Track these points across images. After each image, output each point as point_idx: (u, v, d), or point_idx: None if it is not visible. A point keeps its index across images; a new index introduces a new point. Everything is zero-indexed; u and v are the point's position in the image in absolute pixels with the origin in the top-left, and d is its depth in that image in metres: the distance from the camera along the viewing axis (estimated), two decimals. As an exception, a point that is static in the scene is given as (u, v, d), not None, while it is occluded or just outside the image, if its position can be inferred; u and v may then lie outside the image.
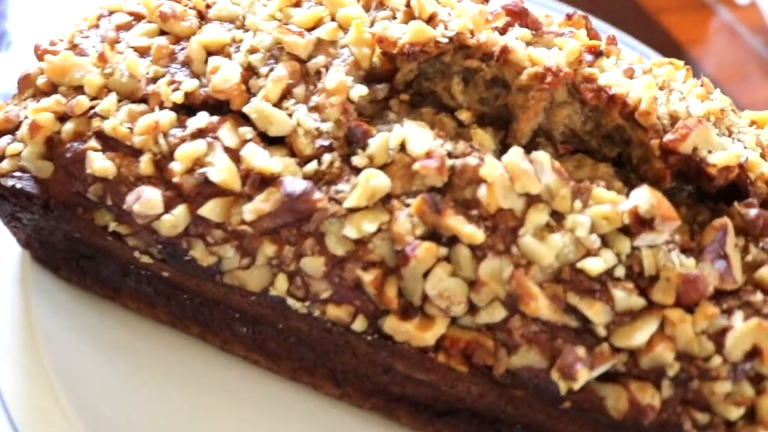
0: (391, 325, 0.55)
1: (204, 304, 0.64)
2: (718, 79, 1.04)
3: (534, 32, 0.61)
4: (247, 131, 0.57)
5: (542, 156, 0.55)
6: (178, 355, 0.66)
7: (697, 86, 0.64)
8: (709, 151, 0.58)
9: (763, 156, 0.63)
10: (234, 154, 0.56)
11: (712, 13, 1.08)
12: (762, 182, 0.60)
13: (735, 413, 0.52)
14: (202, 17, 0.63)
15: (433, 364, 0.56)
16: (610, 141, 0.59)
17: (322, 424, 0.65)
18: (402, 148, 0.56)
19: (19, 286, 0.67)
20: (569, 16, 0.66)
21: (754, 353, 0.53)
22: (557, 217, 0.54)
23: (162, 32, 0.62)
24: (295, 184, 0.55)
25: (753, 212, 0.56)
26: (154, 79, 0.59)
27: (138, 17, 0.64)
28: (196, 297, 0.64)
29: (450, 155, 0.55)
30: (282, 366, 0.65)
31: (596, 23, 0.95)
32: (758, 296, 0.55)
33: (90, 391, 0.64)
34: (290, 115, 0.57)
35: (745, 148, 0.61)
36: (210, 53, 0.60)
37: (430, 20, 0.59)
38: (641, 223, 0.53)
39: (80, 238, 0.63)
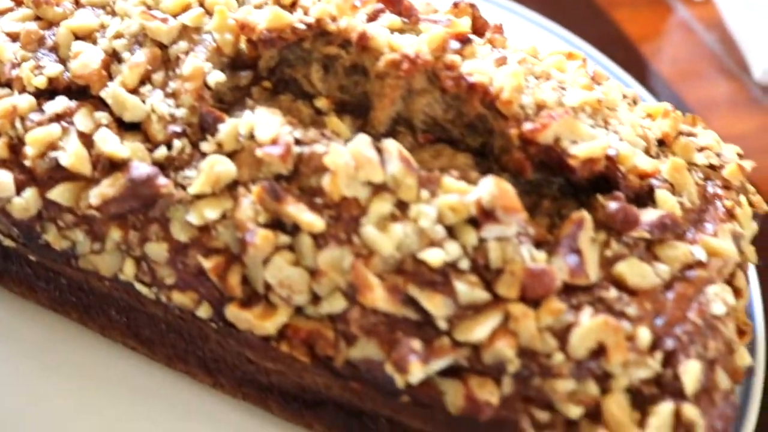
0: (232, 312, 0.54)
1: (81, 289, 0.64)
2: (672, 75, 1.02)
3: (407, 20, 0.60)
4: (102, 116, 0.57)
5: (391, 144, 0.54)
6: (58, 341, 0.66)
7: (585, 76, 0.63)
8: (574, 142, 0.56)
9: (647, 150, 0.61)
10: (87, 139, 0.56)
11: (667, 9, 1.06)
12: (634, 175, 0.58)
13: (575, 411, 0.51)
14: (77, 3, 0.63)
15: (278, 353, 0.55)
16: (473, 131, 0.58)
17: (197, 413, 0.64)
18: (251, 135, 0.55)
19: None
20: (456, 4, 0.64)
21: (600, 351, 0.51)
22: (402, 206, 0.53)
23: (37, 18, 0.62)
24: (140, 168, 0.54)
25: (613, 206, 0.55)
26: (19, 64, 0.59)
27: (19, 2, 0.64)
28: (74, 282, 0.64)
29: (299, 142, 0.55)
30: (157, 353, 0.65)
31: (540, 19, 0.94)
32: (612, 293, 0.53)
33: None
34: (145, 101, 0.57)
35: (620, 140, 0.59)
36: (78, 38, 0.60)
37: (292, 6, 0.58)
38: (485, 214, 0.52)
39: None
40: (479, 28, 0.63)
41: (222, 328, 0.55)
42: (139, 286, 0.56)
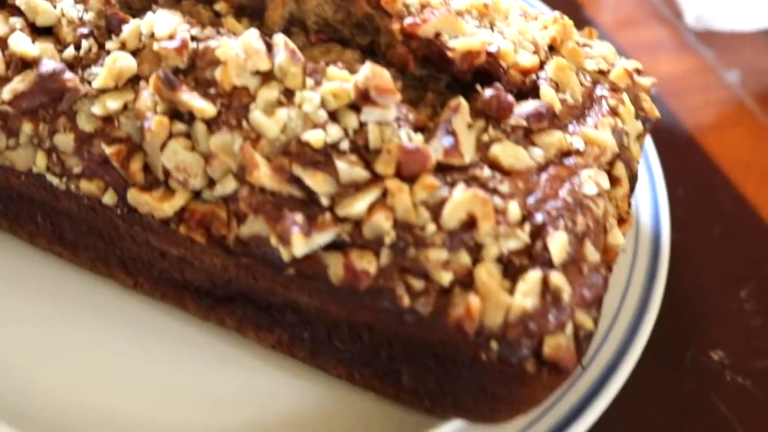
0: (133, 196, 0.58)
1: (9, 196, 0.68)
2: (609, 23, 1.05)
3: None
4: (17, 21, 0.61)
5: (278, 38, 0.57)
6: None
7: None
8: (455, 38, 0.60)
9: (536, 52, 0.64)
10: (3, 43, 0.60)
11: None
12: (516, 71, 0.61)
13: (447, 278, 0.54)
14: None
15: (178, 236, 0.59)
16: (362, 30, 0.62)
17: (119, 316, 0.69)
18: (151, 34, 0.59)
19: None
20: None
21: (471, 223, 0.55)
22: (288, 94, 0.57)
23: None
24: (48, 65, 0.59)
25: (488, 92, 0.58)
26: (-62, -23, 0.64)
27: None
28: (2, 190, 0.68)
29: (195, 39, 0.59)
30: (81, 257, 0.69)
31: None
32: (486, 172, 0.57)
33: None
34: (55, 6, 0.61)
35: (503, 39, 0.62)
36: (-8, -47, 0.64)
37: None
38: (362, 96, 0.55)
39: None
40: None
41: (126, 214, 0.59)
42: (50, 177, 0.60)
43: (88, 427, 0.63)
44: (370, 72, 0.55)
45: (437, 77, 0.62)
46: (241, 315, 0.66)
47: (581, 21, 0.99)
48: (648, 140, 0.76)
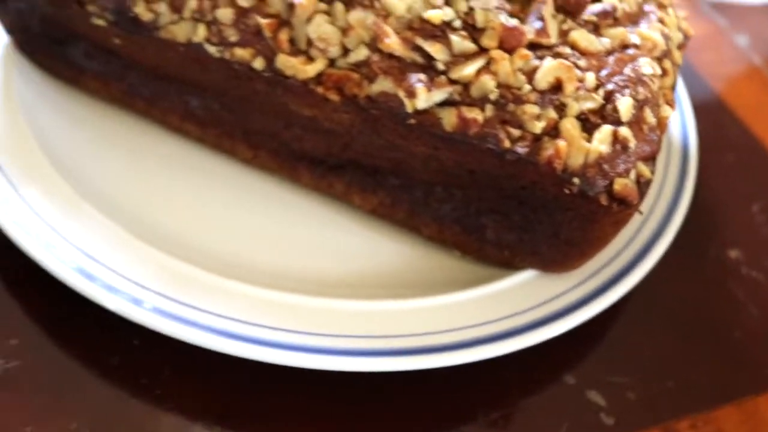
0: (282, 61, 0.71)
1: (149, 78, 0.81)
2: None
3: None
4: None
5: (403, -61, 0.72)
6: (126, 128, 0.83)
7: None
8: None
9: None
10: (170, -64, 0.74)
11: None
12: (585, -18, 0.76)
13: (539, 127, 0.68)
14: None
15: (314, 96, 0.72)
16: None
17: (238, 183, 0.81)
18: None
19: (2, 68, 0.84)
20: None
21: (558, 86, 0.69)
22: (411, -18, 0.71)
23: None
24: (213, -47, 0.72)
25: (568, -8, 0.73)
26: None
27: None
28: (143, 72, 0.80)
29: (334, -62, 0.72)
30: (208, 133, 0.82)
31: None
32: (567, 50, 0.71)
33: (63, 151, 0.80)
34: None
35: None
36: None
37: None
38: (473, -16, 0.70)
39: (52, 16, 0.80)
40: None
41: (271, 77, 0.72)
42: (207, 46, 0.73)
43: (212, 266, 0.74)
44: (482, -36, 0.69)
45: (523, -16, 0.76)
46: (349, 180, 0.79)
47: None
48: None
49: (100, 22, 0.76)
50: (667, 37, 0.77)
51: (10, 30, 0.85)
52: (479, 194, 0.75)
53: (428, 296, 0.74)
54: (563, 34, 0.72)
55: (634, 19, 0.77)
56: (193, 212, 0.78)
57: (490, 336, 0.72)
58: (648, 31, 0.75)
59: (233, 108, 0.79)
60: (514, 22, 0.70)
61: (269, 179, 0.82)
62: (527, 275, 0.77)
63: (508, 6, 0.71)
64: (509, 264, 0.78)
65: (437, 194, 0.77)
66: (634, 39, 0.74)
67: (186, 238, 0.76)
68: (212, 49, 0.73)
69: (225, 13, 0.72)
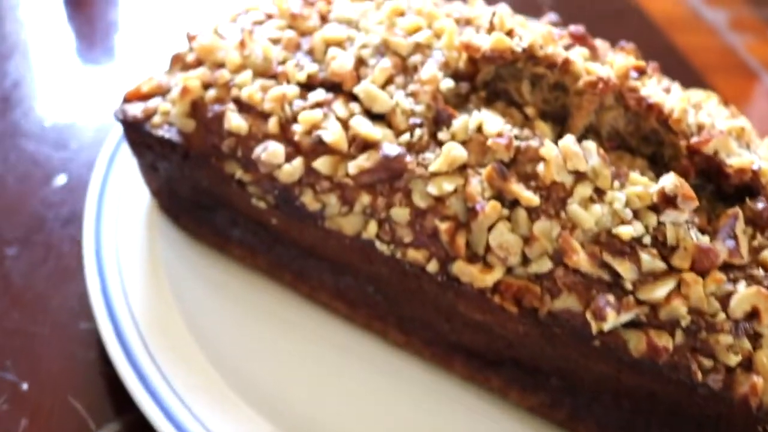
0: (458, 267, 0.68)
1: (300, 255, 0.78)
2: (757, 137, 1.18)
3: (591, 52, 0.75)
4: (355, 107, 0.71)
5: (590, 144, 0.68)
6: (271, 300, 0.80)
7: (725, 110, 0.78)
8: (728, 156, 0.71)
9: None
10: (344, 123, 0.71)
11: (756, 78, 1.22)
12: (771, 187, 0.72)
13: (734, 360, 0.64)
14: (324, 20, 0.78)
15: (490, 304, 0.68)
16: (647, 141, 0.73)
17: (388, 368, 0.78)
18: (478, 129, 0.69)
19: (146, 229, 0.81)
20: (622, 47, 0.80)
21: (753, 314, 0.65)
22: (599, 192, 0.67)
23: (290, 28, 0.77)
24: (391, 148, 0.69)
25: (761, 205, 0.69)
26: (283, 62, 0.74)
27: (270, 17, 0.79)
28: (294, 247, 0.77)
29: (516, 137, 0.69)
30: (358, 314, 0.78)
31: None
32: (760, 272, 0.67)
33: (195, 313, 0.77)
34: (391, 97, 0.71)
35: (760, 159, 0.74)
36: (329, 46, 0.75)
37: (509, 34, 0.73)
38: (666, 200, 0.66)
39: (206, 187, 0.77)
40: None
41: (445, 281, 0.69)
42: (378, 244, 0.70)
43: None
44: (678, 182, 0.66)
45: (704, 186, 0.72)
46: (507, 376, 0.75)
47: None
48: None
49: (261, 204, 0.73)
50: None
51: (157, 193, 0.82)
52: (651, 407, 0.71)
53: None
54: (754, 252, 0.68)
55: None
56: (347, 403, 0.75)
57: None
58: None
59: (389, 294, 0.75)
60: (705, 239, 0.67)
61: (419, 364, 0.79)
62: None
63: (696, 219, 0.68)
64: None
65: (604, 401, 0.73)
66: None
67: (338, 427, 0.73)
68: (383, 247, 0.70)
69: (400, 213, 0.69)
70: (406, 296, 0.74)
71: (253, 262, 0.81)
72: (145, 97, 0.76)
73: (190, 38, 0.78)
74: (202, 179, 0.76)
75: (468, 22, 0.78)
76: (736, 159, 0.71)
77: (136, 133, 0.76)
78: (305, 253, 0.77)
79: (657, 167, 0.72)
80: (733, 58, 1.26)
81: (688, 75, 1.19)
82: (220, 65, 0.75)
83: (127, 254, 0.78)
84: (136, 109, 0.75)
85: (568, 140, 0.68)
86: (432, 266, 0.69)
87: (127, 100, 0.76)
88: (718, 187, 0.72)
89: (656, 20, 1.34)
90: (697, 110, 0.74)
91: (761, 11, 1.36)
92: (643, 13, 1.36)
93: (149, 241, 0.80)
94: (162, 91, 0.76)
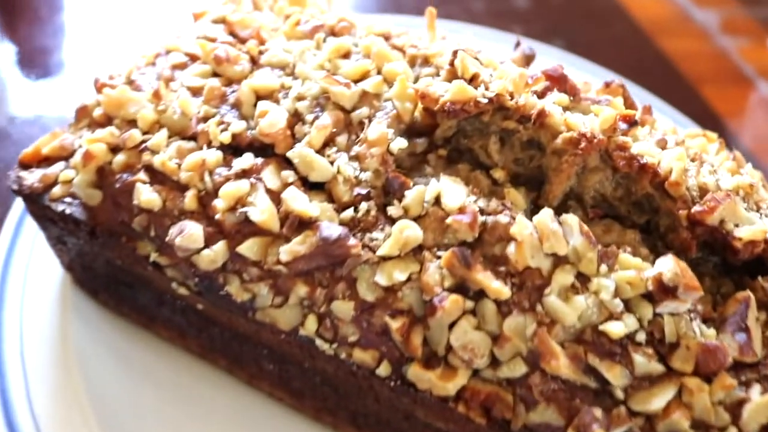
0: (414, 372, 0.56)
1: (234, 338, 0.66)
2: (754, 152, 1.06)
3: (572, 98, 0.63)
4: (289, 175, 0.59)
5: (572, 219, 0.56)
6: (205, 387, 0.69)
7: (729, 160, 0.66)
8: (736, 225, 0.59)
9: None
10: (275, 196, 0.59)
11: (752, 86, 1.10)
12: (786, 259, 0.61)
13: (750, 488, 0.53)
14: (255, 62, 0.65)
15: (453, 414, 0.57)
16: (639, 208, 0.61)
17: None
18: (437, 201, 0.58)
19: (58, 305, 0.70)
20: (607, 84, 0.68)
21: (768, 428, 0.54)
22: (582, 279, 0.56)
23: (215, 74, 0.65)
24: (331, 229, 0.57)
25: (776, 287, 0.58)
26: (204, 119, 0.62)
27: (193, 58, 0.67)
28: (227, 331, 0.66)
29: (482, 212, 0.57)
30: (305, 405, 0.67)
31: (636, 90, 0.98)
32: (776, 372, 0.56)
33: (115, 410, 0.65)
34: (332, 163, 0.59)
35: (772, 223, 0.62)
36: (259, 97, 0.63)
37: (472, 80, 0.61)
38: (665, 290, 0.54)
39: (121, 265, 0.65)
40: (629, 107, 0.67)
41: (398, 386, 0.57)
42: (319, 342, 0.58)
43: None
44: (679, 269, 0.54)
45: (707, 260, 0.61)
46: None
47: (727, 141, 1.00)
48: None
49: (182, 290, 0.62)
50: None
51: (69, 267, 0.70)
52: None
53: None
54: (768, 344, 0.57)
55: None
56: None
57: None
58: None
59: (338, 388, 0.64)
60: (711, 333, 0.55)
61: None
62: None
63: (700, 307, 0.56)
64: None
65: None
66: None
67: None
68: (325, 346, 0.58)
69: (344, 307, 0.57)
70: (357, 392, 0.63)
71: (184, 345, 0.69)
72: (45, 160, 0.64)
73: (98, 87, 0.65)
74: (114, 258, 0.64)
75: (426, 61, 0.66)
76: (746, 229, 0.59)
77: (35, 205, 0.63)
78: (240, 337, 0.65)
79: (651, 239, 0.61)
80: (726, 64, 1.14)
81: (677, 86, 1.07)
82: (131, 122, 0.63)
83: (32, 342, 0.67)
84: (33, 177, 0.63)
85: (545, 215, 0.56)
86: (383, 369, 0.57)
87: (24, 164, 0.64)
88: (724, 259, 0.61)
89: (642, 23, 1.21)
90: (698, 164, 0.62)
91: (755, 11, 1.23)
92: (627, 14, 1.23)
93: (60, 317, 0.68)
94: (65, 154, 0.64)
